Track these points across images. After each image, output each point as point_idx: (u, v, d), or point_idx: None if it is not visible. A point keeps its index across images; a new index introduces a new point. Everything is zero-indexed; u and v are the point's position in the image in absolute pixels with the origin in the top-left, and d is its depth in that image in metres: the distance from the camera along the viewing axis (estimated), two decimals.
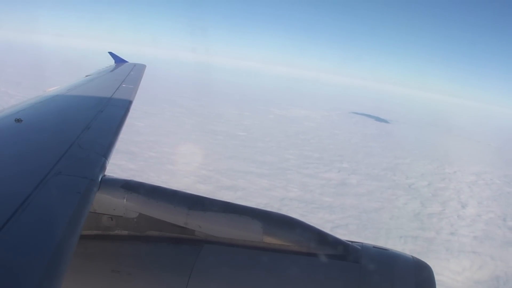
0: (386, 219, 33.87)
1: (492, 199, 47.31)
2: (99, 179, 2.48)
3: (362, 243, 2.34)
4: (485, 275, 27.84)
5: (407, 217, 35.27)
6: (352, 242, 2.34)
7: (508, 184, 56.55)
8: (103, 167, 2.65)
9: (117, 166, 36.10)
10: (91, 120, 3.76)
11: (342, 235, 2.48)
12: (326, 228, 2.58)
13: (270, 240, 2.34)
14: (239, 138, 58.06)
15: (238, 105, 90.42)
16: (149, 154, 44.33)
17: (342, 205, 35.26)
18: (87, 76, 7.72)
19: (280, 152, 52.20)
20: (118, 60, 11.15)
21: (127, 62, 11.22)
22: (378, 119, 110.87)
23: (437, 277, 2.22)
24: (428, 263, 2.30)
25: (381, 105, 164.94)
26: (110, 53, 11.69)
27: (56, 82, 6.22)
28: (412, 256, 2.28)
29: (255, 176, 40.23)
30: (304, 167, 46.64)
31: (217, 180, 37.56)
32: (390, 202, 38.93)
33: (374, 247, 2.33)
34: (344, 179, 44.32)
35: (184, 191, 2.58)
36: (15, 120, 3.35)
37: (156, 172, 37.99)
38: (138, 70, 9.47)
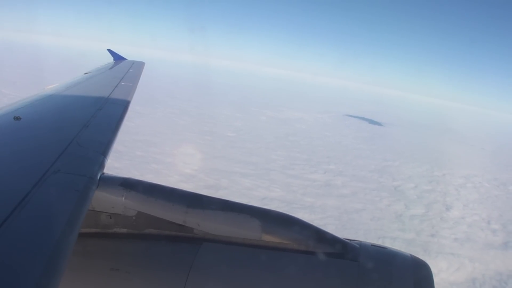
0: (367, 220, 33.91)
1: (478, 202, 47.32)
2: (98, 177, 2.47)
3: (360, 241, 2.33)
4: (462, 277, 27.88)
5: (388, 219, 35.30)
6: (350, 240, 2.33)
7: (497, 187, 56.60)
8: (102, 165, 2.64)
9: None
10: (90, 118, 3.74)
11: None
12: None
13: (269, 238, 2.32)
14: (228, 138, 58.12)
15: (232, 106, 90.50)
16: (135, 153, 44.32)
17: (323, 206, 35.30)
18: (86, 73, 7.67)
19: (268, 153, 52.29)
20: (117, 58, 11.05)
21: (126, 59, 11.13)
22: (372, 121, 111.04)
23: None
24: None
25: (376, 108, 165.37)
26: (109, 50, 11.56)
27: (54, 81, 6.23)
28: (410, 254, 2.27)
29: (238, 176, 40.28)
30: (290, 168, 46.70)
31: (200, 180, 37.54)
32: (373, 203, 38.97)
33: (372, 245, 2.31)
34: (329, 180, 44.37)
35: (182, 189, 2.59)
36: (14, 118, 3.33)
37: (140, 171, 37.96)
38: (137, 67, 9.39)
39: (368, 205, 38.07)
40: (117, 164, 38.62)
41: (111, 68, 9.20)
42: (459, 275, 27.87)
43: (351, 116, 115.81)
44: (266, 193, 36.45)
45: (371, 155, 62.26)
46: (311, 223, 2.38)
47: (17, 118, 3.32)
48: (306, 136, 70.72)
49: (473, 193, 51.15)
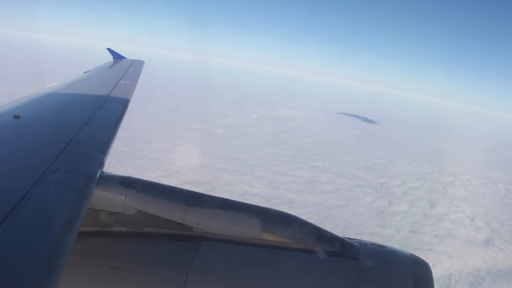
0: (347, 216, 33.87)
1: (464, 199, 47.17)
2: (98, 175, 2.48)
3: (360, 240, 2.37)
4: (437, 273, 27.81)
5: (369, 215, 35.25)
6: (350, 239, 2.36)
7: (485, 185, 56.43)
8: (101, 164, 2.65)
9: None
10: (89, 116, 3.77)
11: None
12: None
13: (268, 237, 2.34)
14: (216, 135, 58.03)
15: (225, 104, 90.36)
16: (121, 149, 44.15)
17: (304, 201, 35.26)
18: (85, 72, 7.74)
19: (255, 150, 52.20)
20: (117, 57, 11.13)
21: (126, 58, 11.19)
22: (365, 119, 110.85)
23: None
24: None
25: (372, 107, 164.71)
26: (109, 49, 11.59)
27: (54, 79, 6.23)
28: (410, 253, 2.30)
29: (222, 172, 40.26)
30: (275, 165, 46.65)
31: (183, 175, 37.53)
32: (356, 200, 38.91)
33: (372, 244, 2.35)
34: (313, 177, 44.30)
35: (182, 187, 2.61)
36: (14, 117, 3.34)
37: (124, 166, 37.85)
38: (136, 66, 9.46)
39: (350, 201, 38.02)
40: None
41: (110, 67, 9.29)
42: (435, 271, 27.48)
43: (345, 114, 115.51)
44: (248, 189, 36.45)
45: (360, 153, 62.09)
46: (311, 222, 2.41)
47: (16, 117, 3.33)
48: (297, 133, 70.49)
49: (460, 190, 50.94)
